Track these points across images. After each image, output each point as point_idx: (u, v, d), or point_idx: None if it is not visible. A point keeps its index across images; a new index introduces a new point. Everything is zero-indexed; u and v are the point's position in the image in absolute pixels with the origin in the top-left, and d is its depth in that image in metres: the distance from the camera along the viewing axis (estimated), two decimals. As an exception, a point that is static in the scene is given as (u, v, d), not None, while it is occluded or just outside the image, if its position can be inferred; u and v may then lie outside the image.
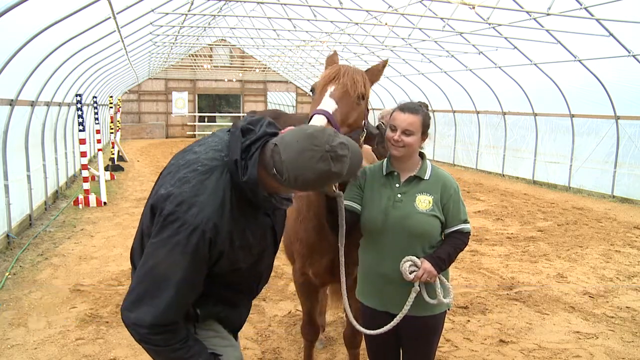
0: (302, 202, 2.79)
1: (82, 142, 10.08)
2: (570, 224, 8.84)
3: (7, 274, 5.73)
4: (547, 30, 10.20)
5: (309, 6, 11.41)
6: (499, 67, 13.36)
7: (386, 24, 11.94)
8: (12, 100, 6.91)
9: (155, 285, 1.68)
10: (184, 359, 1.78)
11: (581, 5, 8.91)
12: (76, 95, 10.10)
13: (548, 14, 8.95)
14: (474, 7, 9.08)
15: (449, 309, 2.58)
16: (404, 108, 2.44)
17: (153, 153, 20.01)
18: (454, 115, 17.16)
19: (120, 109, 18.97)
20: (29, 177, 7.91)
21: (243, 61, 28.13)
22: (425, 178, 2.47)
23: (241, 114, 27.41)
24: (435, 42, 13.37)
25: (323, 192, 2.35)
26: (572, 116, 12.49)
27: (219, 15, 14.98)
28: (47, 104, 9.13)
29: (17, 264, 6.13)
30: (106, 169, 12.89)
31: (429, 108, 2.62)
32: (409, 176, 2.48)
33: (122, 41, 9.92)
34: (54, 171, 10.01)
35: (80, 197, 9.64)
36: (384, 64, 2.56)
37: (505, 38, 11.44)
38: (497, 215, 9.60)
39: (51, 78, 8.52)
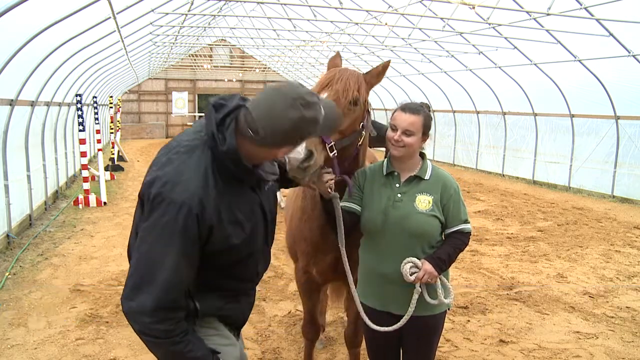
0: (308, 201, 2.79)
1: (82, 142, 10.08)
2: (570, 224, 8.84)
3: (7, 274, 5.73)
4: (547, 30, 10.20)
5: (309, 6, 11.41)
6: (499, 67, 13.36)
7: (386, 24, 11.94)
8: (12, 100, 6.91)
9: (151, 270, 1.68)
10: (182, 353, 1.77)
11: (581, 5, 8.91)
12: (76, 95, 10.10)
13: (548, 14, 8.95)
14: (474, 7, 9.08)
15: (449, 309, 2.58)
16: (405, 108, 2.43)
17: (153, 153, 19.99)
18: (454, 115, 17.17)
19: (120, 109, 18.96)
20: (29, 177, 7.91)
21: (243, 61, 28.14)
22: (425, 178, 2.47)
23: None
24: (435, 42, 13.37)
25: (317, 185, 2.34)
26: (572, 116, 12.49)
27: (219, 15, 14.99)
28: (47, 104, 9.13)
29: (17, 264, 6.13)
30: (106, 169, 12.89)
31: (430, 109, 2.61)
32: (409, 176, 2.48)
33: (122, 41, 9.92)
34: (54, 171, 10.01)
35: (80, 197, 9.64)
36: (385, 65, 2.54)
37: (505, 38, 11.44)
38: (497, 215, 9.60)
39: (51, 78, 8.52)
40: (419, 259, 2.38)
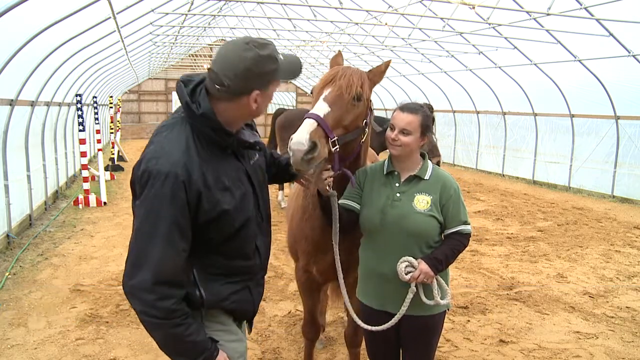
0: (309, 200, 2.80)
1: (82, 142, 10.08)
2: (570, 224, 8.84)
3: (7, 274, 5.73)
4: (547, 30, 10.20)
5: (309, 6, 11.41)
6: (499, 67, 13.36)
7: (386, 24, 11.94)
8: (12, 100, 6.91)
9: (146, 244, 1.71)
10: (183, 336, 1.77)
11: (581, 5, 8.91)
12: (76, 95, 10.10)
13: (548, 14, 8.95)
14: (474, 7, 9.09)
15: (448, 310, 2.58)
16: (403, 108, 2.46)
17: (153, 153, 19.96)
18: (454, 115, 17.17)
19: (120, 109, 18.96)
20: (29, 177, 7.91)
21: (243, 61, 28.07)
22: (425, 178, 2.47)
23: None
24: (435, 42, 13.37)
25: (312, 177, 2.33)
26: (572, 116, 12.49)
27: (219, 15, 14.99)
28: (47, 104, 9.13)
29: (17, 264, 6.13)
30: (106, 169, 12.89)
31: (432, 110, 2.62)
32: (408, 176, 2.49)
33: (122, 41, 9.92)
34: (54, 171, 10.01)
35: (80, 197, 9.64)
36: (387, 65, 2.56)
37: (505, 38, 11.44)
38: (497, 215, 9.60)
39: (51, 78, 8.52)
40: (416, 258, 2.38)
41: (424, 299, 2.39)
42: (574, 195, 11.93)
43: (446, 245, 2.43)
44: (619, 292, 5.65)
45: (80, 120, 10.00)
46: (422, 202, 2.41)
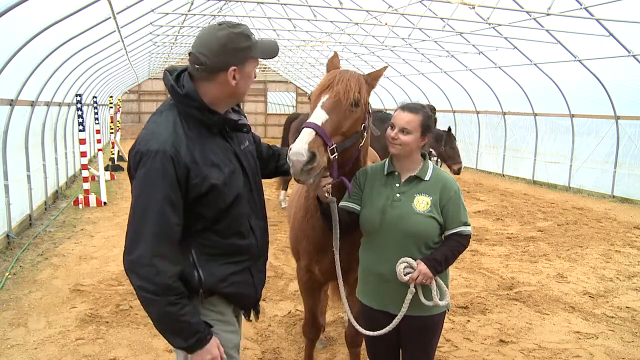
0: (310, 200, 2.79)
1: (82, 142, 10.08)
2: (570, 224, 8.84)
3: (7, 274, 5.73)
4: (547, 30, 10.20)
5: (309, 6, 11.41)
6: (499, 67, 13.36)
7: (386, 24, 11.94)
8: (12, 100, 6.91)
9: (142, 219, 1.80)
10: (177, 315, 1.82)
11: (581, 5, 8.92)
12: (76, 95, 10.10)
13: (548, 14, 8.95)
14: (474, 7, 9.09)
15: (448, 310, 2.58)
16: (404, 107, 2.47)
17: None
18: (454, 115, 17.16)
19: (120, 109, 18.95)
20: (29, 177, 7.91)
21: (243, 61, 28.08)
22: (425, 179, 2.47)
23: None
24: (435, 42, 13.37)
25: (312, 186, 2.33)
26: (572, 116, 12.49)
27: (219, 15, 14.97)
28: (47, 104, 9.13)
29: (17, 264, 6.13)
30: (106, 169, 12.89)
31: (435, 110, 2.61)
32: (409, 176, 2.48)
33: (122, 41, 9.92)
34: (54, 171, 10.01)
35: (80, 197, 9.64)
36: (384, 69, 2.57)
37: (505, 38, 11.44)
38: (497, 215, 9.60)
39: (51, 78, 8.52)
40: (415, 259, 2.38)
41: (422, 300, 2.39)
42: (574, 195, 11.93)
43: (446, 247, 2.43)
44: (619, 292, 5.65)
45: (80, 120, 10.00)
46: (422, 203, 2.41)
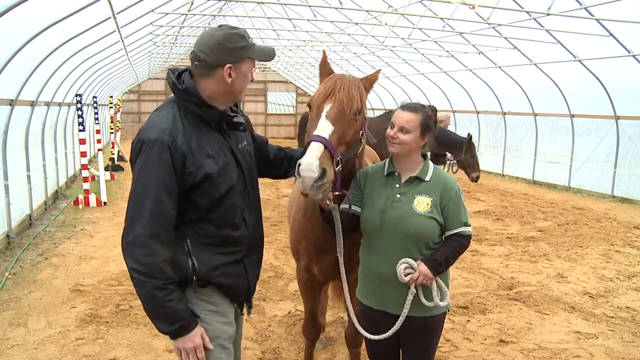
0: (310, 200, 2.79)
1: (82, 142, 10.07)
2: (570, 224, 8.84)
3: (7, 274, 5.73)
4: (547, 30, 10.20)
5: (309, 6, 11.42)
6: (499, 67, 13.36)
7: (386, 24, 11.94)
8: (12, 100, 6.91)
9: (139, 202, 1.91)
10: (162, 300, 1.89)
11: (581, 5, 8.92)
12: (76, 95, 10.10)
13: (548, 14, 8.95)
14: (474, 7, 9.09)
15: (448, 311, 2.58)
16: (404, 107, 2.47)
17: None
18: (454, 115, 17.15)
19: (120, 109, 18.95)
20: (29, 177, 7.91)
21: (243, 61, 28.04)
22: (425, 179, 2.46)
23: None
24: (435, 42, 13.37)
25: (316, 197, 2.33)
26: (572, 116, 12.49)
27: (219, 15, 14.99)
28: (47, 104, 9.13)
29: (17, 264, 6.13)
30: (106, 169, 12.89)
31: (436, 111, 2.60)
32: (409, 177, 2.48)
33: (122, 41, 9.92)
34: (54, 171, 10.01)
35: (80, 197, 9.64)
36: (379, 72, 2.57)
37: (505, 38, 11.44)
38: (497, 215, 9.60)
39: (51, 78, 8.52)
40: (415, 260, 2.38)
41: (423, 300, 2.39)
42: (574, 195, 11.93)
43: (446, 247, 2.43)
44: (619, 292, 5.65)
45: (80, 120, 9.99)
46: (422, 203, 2.41)
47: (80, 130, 10.04)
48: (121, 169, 14.70)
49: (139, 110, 27.99)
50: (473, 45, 12.79)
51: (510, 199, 11.27)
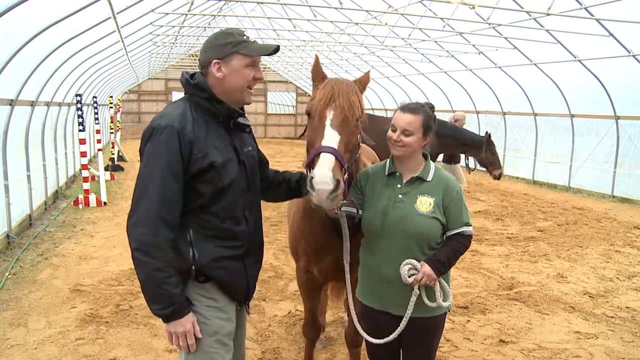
0: (309, 201, 2.79)
1: (82, 142, 10.07)
2: (570, 224, 8.84)
3: (7, 274, 5.73)
4: (547, 30, 10.21)
5: (309, 6, 11.41)
6: (499, 67, 13.36)
7: (386, 24, 11.94)
8: (12, 100, 6.91)
9: (146, 184, 1.97)
10: (160, 282, 1.93)
11: (581, 5, 8.92)
12: (76, 95, 10.10)
13: (548, 14, 8.95)
14: (474, 7, 9.09)
15: (449, 311, 2.58)
16: (404, 108, 2.44)
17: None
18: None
19: (120, 109, 18.95)
20: (29, 177, 7.91)
21: (243, 61, 28.05)
22: (427, 180, 2.46)
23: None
24: (435, 42, 13.37)
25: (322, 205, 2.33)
26: (572, 116, 12.49)
27: (219, 15, 14.99)
28: (47, 104, 9.13)
29: (17, 264, 6.13)
30: (106, 169, 12.88)
31: (434, 109, 2.59)
32: (411, 177, 2.48)
33: (122, 41, 9.92)
34: (54, 171, 10.01)
35: (80, 197, 9.64)
36: (369, 73, 2.56)
37: (505, 38, 11.45)
38: (497, 215, 9.60)
39: (51, 78, 8.52)
40: (418, 260, 2.37)
41: (426, 301, 2.38)
42: (574, 195, 11.93)
43: (448, 247, 2.43)
44: (619, 292, 5.65)
45: (80, 120, 9.99)
46: (424, 203, 2.40)
47: (80, 130, 10.04)
48: (121, 169, 14.70)
49: (139, 110, 27.99)
50: (473, 45, 12.79)
51: (510, 199, 11.27)
